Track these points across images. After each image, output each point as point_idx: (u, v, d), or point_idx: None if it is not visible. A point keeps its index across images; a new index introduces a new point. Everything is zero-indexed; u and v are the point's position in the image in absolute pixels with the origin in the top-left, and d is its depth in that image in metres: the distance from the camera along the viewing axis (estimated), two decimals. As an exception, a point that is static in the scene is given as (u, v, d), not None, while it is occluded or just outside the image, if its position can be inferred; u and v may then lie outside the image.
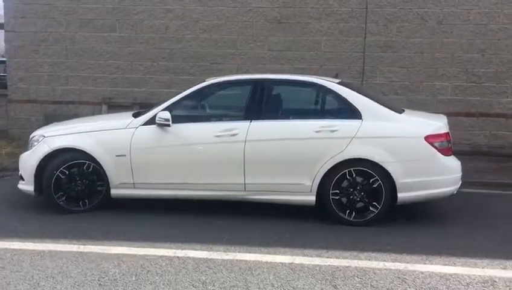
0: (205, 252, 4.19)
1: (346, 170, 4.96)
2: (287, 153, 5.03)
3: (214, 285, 3.56)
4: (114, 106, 9.27)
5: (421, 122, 5.15)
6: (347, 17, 8.94)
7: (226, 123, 5.15)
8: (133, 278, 3.65)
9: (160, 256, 4.07)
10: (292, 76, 5.59)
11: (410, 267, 3.96)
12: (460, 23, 8.74)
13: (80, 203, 5.27)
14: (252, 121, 5.10)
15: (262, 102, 5.21)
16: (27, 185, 5.31)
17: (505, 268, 3.97)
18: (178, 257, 4.07)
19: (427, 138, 4.95)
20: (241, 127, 5.07)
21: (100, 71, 9.46)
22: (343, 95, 5.16)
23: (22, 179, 5.38)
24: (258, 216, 5.22)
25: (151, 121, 5.16)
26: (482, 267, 3.98)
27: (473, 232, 4.90)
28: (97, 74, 9.48)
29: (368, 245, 4.43)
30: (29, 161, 5.28)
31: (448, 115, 9.16)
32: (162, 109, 5.21)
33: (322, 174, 4.98)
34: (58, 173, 5.14)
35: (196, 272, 3.77)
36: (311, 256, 4.14)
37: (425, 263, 4.04)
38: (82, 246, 4.27)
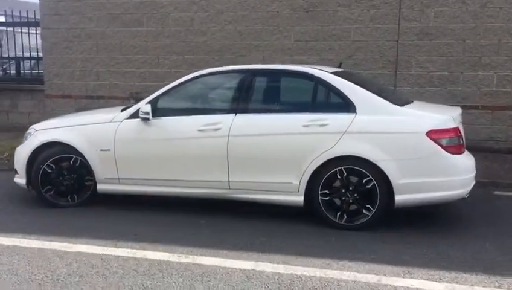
0: (166, 253, 3.93)
1: (337, 169, 4.50)
2: (273, 149, 4.65)
3: (155, 291, 3.31)
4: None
5: (423, 116, 4.53)
6: (379, 3, 8.28)
7: (210, 117, 4.84)
8: (76, 279, 3.47)
9: (117, 256, 3.87)
10: (281, 66, 5.12)
11: (384, 280, 3.47)
12: (508, 6, 7.79)
13: (69, 197, 5.21)
14: (237, 114, 4.77)
15: (248, 94, 4.86)
16: (20, 179, 5.34)
17: (499, 287, 3.37)
18: (135, 257, 3.85)
19: (430, 134, 4.37)
20: (225, 121, 4.75)
21: (128, 66, 9.48)
22: (336, 86, 4.68)
23: (16, 172, 5.41)
24: (246, 215, 4.89)
25: (136, 115, 4.98)
26: (471, 285, 3.40)
27: (486, 242, 4.23)
28: (125, 69, 9.52)
29: (350, 253, 3.97)
30: (21, 154, 5.30)
31: (493, 108, 8.42)
32: (146, 102, 5.02)
33: (310, 173, 4.56)
34: (44, 166, 5.10)
35: (144, 276, 3.53)
36: (278, 263, 3.75)
37: (404, 277, 3.52)
38: (47, 243, 4.16)
